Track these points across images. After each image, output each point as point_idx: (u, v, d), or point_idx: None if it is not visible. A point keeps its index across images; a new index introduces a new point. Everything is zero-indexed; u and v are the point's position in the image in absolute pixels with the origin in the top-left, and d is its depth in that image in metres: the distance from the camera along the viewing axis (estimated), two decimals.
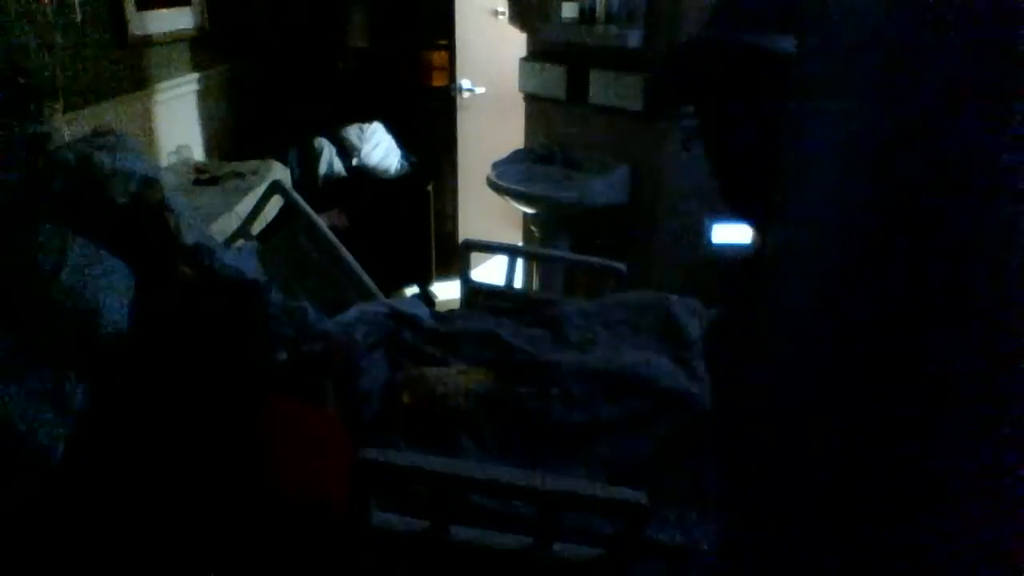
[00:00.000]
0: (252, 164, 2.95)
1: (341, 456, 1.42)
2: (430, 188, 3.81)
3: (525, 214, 3.38)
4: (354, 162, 3.59)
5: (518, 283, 2.48)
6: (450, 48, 3.58)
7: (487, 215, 3.81)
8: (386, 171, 3.67)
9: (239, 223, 2.47)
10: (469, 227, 3.77)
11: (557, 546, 1.29)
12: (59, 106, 2.06)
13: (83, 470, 1.36)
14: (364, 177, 3.60)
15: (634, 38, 2.84)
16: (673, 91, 0.68)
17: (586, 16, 3.09)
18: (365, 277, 2.44)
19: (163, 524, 1.29)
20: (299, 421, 1.56)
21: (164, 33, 2.83)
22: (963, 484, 0.55)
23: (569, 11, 3.14)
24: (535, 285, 3.39)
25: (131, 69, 2.63)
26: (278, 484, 1.37)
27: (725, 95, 0.68)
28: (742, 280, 0.91)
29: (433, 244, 3.87)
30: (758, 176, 0.70)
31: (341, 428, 1.60)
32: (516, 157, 3.37)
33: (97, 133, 2.02)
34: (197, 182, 2.68)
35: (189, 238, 1.87)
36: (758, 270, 0.87)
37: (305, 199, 2.53)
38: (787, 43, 0.69)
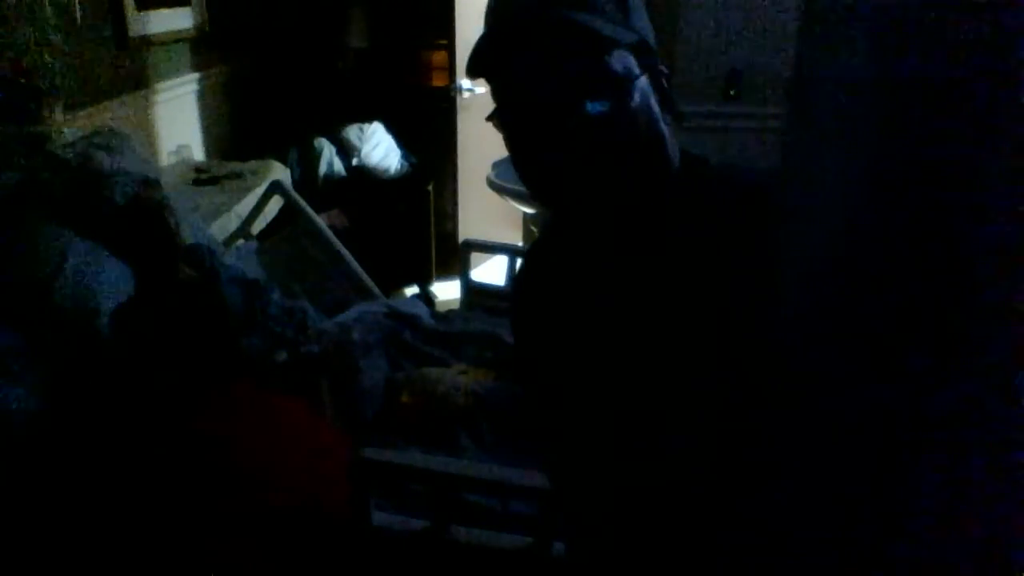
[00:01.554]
0: (252, 164, 2.95)
1: (335, 456, 1.42)
2: (430, 188, 3.81)
3: (525, 214, 3.38)
4: (354, 162, 3.59)
5: None
6: (450, 48, 3.58)
7: (487, 215, 3.81)
8: (386, 171, 3.67)
9: (239, 223, 2.47)
10: (469, 227, 3.76)
11: (557, 546, 1.29)
12: (59, 106, 2.06)
13: (75, 469, 1.36)
14: (364, 177, 3.60)
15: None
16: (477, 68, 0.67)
17: None
18: (365, 277, 2.44)
19: (158, 524, 1.29)
20: (293, 420, 1.56)
21: (164, 33, 2.83)
22: (967, 484, 0.54)
23: None
24: None
25: (131, 69, 2.63)
26: (271, 483, 1.37)
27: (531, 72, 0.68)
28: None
29: (433, 244, 3.87)
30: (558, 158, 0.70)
31: (335, 427, 1.61)
32: None
33: (97, 133, 2.03)
34: (197, 182, 2.68)
35: (189, 238, 1.88)
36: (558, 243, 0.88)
37: (305, 199, 2.53)
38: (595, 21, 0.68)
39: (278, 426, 1.51)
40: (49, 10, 2.15)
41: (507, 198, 3.16)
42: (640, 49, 0.73)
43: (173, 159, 2.85)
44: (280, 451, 1.44)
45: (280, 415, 1.55)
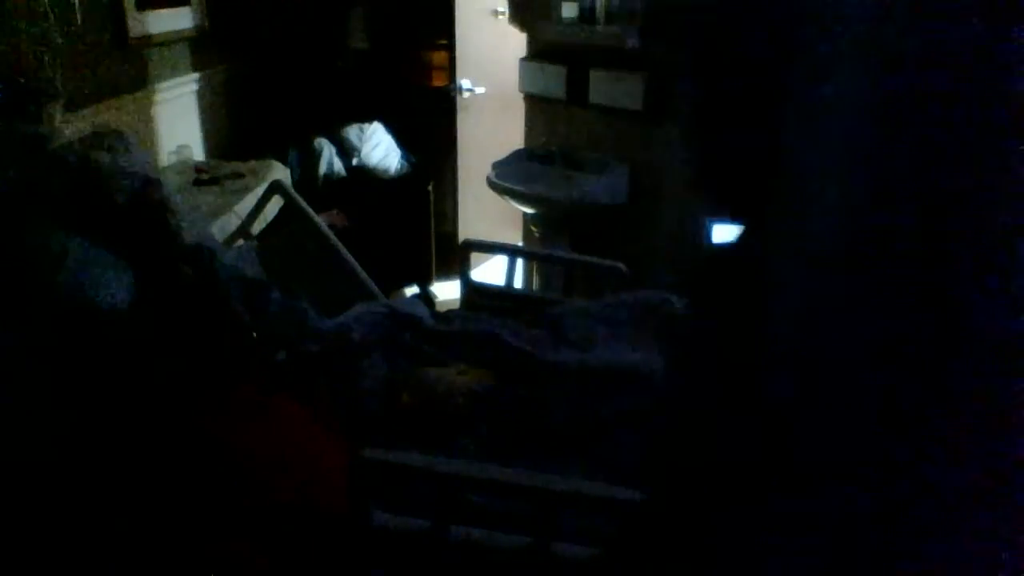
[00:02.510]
0: (252, 164, 2.95)
1: (335, 456, 1.42)
2: (430, 188, 3.81)
3: (525, 214, 3.38)
4: (354, 162, 3.59)
5: (518, 283, 2.47)
6: (450, 48, 3.58)
7: (487, 215, 3.81)
8: (386, 171, 3.67)
9: (239, 223, 2.47)
10: (469, 227, 3.76)
11: (557, 546, 1.29)
12: (59, 106, 2.05)
13: (77, 469, 1.36)
14: (364, 177, 3.60)
15: (633, 38, 2.85)
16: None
17: (586, 16, 3.09)
18: (365, 277, 2.44)
19: (157, 523, 1.29)
20: (293, 420, 1.56)
21: (164, 33, 2.83)
22: (964, 490, 0.55)
23: (569, 11, 3.14)
24: (535, 285, 3.39)
25: (131, 69, 2.63)
26: (271, 483, 1.37)
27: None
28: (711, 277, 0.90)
29: (433, 244, 3.87)
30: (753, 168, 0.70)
31: (335, 427, 1.61)
32: (516, 157, 3.37)
33: (97, 133, 2.02)
34: (197, 182, 2.68)
35: (189, 238, 1.88)
36: (741, 269, 0.86)
37: (305, 199, 2.53)
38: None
39: (278, 426, 1.51)
40: (49, 10, 2.15)
41: (507, 198, 3.16)
42: None
43: (173, 159, 2.85)
44: (280, 451, 1.44)
45: (280, 415, 1.55)
